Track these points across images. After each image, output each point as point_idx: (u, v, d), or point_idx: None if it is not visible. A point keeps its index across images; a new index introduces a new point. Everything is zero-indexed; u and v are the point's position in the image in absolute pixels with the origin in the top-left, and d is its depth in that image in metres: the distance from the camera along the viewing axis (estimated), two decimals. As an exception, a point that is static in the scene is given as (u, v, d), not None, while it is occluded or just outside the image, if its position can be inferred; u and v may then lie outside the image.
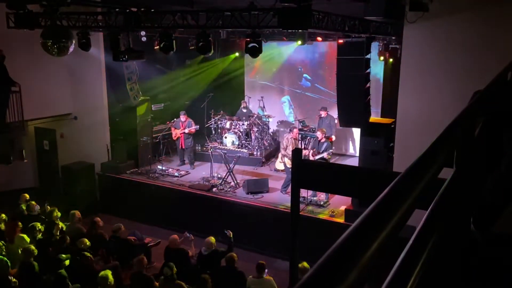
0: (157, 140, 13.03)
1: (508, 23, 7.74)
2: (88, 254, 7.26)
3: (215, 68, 15.10)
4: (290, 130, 11.12)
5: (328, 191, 8.84)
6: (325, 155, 10.05)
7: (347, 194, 8.00)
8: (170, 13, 8.73)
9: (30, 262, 6.93)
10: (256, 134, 13.24)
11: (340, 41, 8.89)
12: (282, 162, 11.16)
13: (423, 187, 1.00)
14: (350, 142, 14.02)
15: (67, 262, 7.05)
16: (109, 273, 6.40)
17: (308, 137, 13.01)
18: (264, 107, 14.55)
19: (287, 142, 10.76)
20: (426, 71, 8.65)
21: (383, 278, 0.89)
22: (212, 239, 7.79)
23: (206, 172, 11.91)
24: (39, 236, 8.12)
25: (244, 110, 13.92)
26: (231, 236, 7.91)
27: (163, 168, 12.16)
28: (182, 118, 12.45)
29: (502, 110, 2.20)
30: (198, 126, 12.61)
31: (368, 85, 9.18)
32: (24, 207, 9.28)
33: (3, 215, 8.63)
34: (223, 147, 12.72)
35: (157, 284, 6.79)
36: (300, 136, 12.80)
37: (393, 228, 0.79)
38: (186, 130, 12.30)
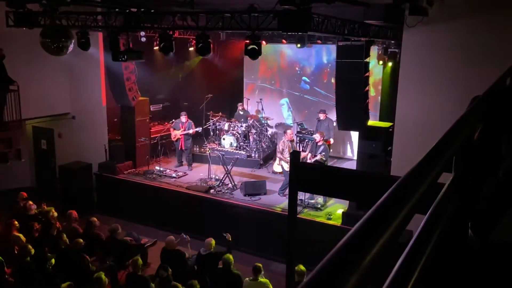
0: (155, 141, 13.02)
1: (507, 29, 7.76)
2: (84, 255, 7.23)
3: (214, 69, 15.10)
4: (285, 133, 11.05)
5: (326, 194, 8.83)
6: (318, 157, 10.02)
7: (344, 198, 8.00)
8: (170, 14, 8.74)
9: (26, 262, 6.91)
10: (254, 136, 13.24)
11: (340, 44, 8.91)
12: (280, 165, 11.13)
13: (423, 192, 0.99)
14: (348, 145, 14.02)
15: (53, 261, 7.01)
16: (102, 274, 6.37)
17: (306, 140, 13.02)
18: (263, 109, 14.55)
19: (283, 146, 10.64)
20: (425, 75, 8.66)
21: (381, 283, 0.89)
22: (212, 240, 7.79)
23: (204, 174, 11.90)
24: (36, 235, 8.09)
25: (241, 113, 13.92)
26: (230, 239, 7.90)
27: (161, 169, 12.15)
28: (183, 119, 12.37)
29: (501, 115, 2.20)
30: (200, 128, 12.58)
31: (367, 88, 9.19)
32: (22, 206, 9.24)
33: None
34: (221, 148, 12.71)
35: (153, 285, 6.77)
36: (298, 138, 12.80)
37: (393, 233, 0.79)
38: (190, 131, 12.20)
